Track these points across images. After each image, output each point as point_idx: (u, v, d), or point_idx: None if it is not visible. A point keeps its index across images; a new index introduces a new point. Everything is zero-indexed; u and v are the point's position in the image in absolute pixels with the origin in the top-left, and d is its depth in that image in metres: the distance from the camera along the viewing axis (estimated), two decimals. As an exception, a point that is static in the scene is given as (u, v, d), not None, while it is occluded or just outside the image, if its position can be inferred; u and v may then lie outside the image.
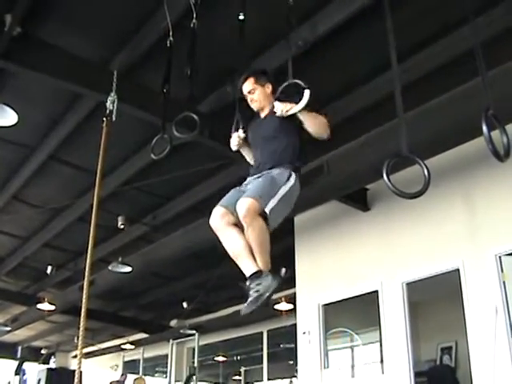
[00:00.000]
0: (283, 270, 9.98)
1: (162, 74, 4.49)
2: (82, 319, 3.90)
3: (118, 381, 14.78)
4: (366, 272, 7.21)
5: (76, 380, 3.84)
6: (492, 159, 3.14)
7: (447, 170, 6.19)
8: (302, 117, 3.29)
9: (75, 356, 16.26)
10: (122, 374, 15.49)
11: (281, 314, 10.98)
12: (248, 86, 3.63)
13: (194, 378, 12.40)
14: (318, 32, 4.78)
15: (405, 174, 4.12)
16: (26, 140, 7.00)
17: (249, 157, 3.77)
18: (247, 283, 2.97)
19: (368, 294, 7.13)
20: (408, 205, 5.52)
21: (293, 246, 8.29)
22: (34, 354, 18.52)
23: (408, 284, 6.71)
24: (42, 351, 18.89)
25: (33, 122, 6.57)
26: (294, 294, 8.47)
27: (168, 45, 4.49)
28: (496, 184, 5.99)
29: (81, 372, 3.87)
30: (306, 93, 3.21)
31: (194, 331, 12.81)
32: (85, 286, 4.03)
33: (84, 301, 3.94)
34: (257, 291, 2.91)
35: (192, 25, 4.30)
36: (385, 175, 3.11)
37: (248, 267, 3.01)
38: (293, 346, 9.01)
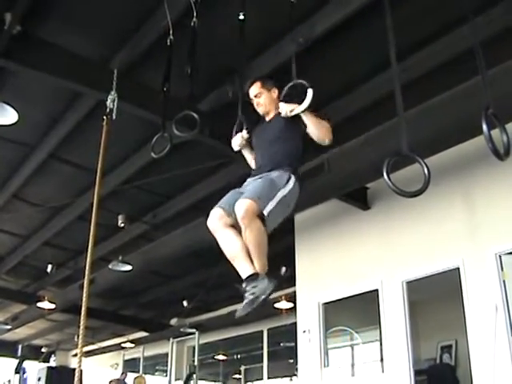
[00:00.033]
0: (283, 269, 10.04)
1: (162, 72, 4.49)
2: (82, 318, 3.89)
3: (118, 379, 14.79)
4: (366, 271, 7.21)
5: (76, 378, 3.83)
6: (492, 158, 3.14)
7: (447, 169, 6.19)
8: (306, 118, 3.31)
9: (75, 354, 16.26)
10: (122, 373, 15.50)
11: (281, 312, 10.99)
12: (254, 89, 3.67)
13: (194, 376, 12.40)
14: (317, 31, 4.77)
15: (405, 172, 4.13)
16: (26, 138, 7.00)
17: (250, 159, 3.77)
18: (243, 285, 2.96)
19: (368, 292, 7.14)
20: (408, 203, 5.52)
21: (293, 244, 8.30)
22: (35, 353, 18.51)
23: (408, 283, 6.71)
24: (43, 350, 18.90)
25: (33, 120, 6.56)
26: (294, 292, 8.47)
27: (168, 43, 4.49)
28: (496, 183, 5.99)
29: (81, 370, 3.86)
30: (310, 92, 3.24)
31: (194, 330, 12.82)
32: (85, 285, 4.03)
33: (84, 299, 3.94)
34: (252, 294, 2.89)
35: (192, 23, 4.30)
36: (385, 174, 3.11)
37: (244, 269, 2.99)
38: (293, 344, 9.02)
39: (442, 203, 6.42)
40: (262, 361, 13.39)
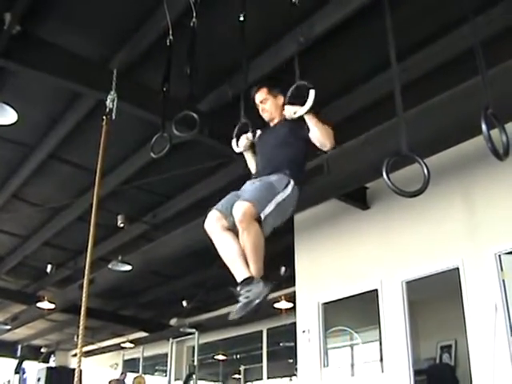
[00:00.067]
0: (283, 269, 10.04)
1: (161, 72, 4.49)
2: (81, 318, 3.89)
3: (117, 379, 14.80)
4: (366, 270, 7.21)
5: (76, 379, 3.83)
6: (491, 158, 3.14)
7: (447, 169, 6.19)
8: (309, 120, 3.32)
9: (75, 355, 16.28)
10: (122, 373, 15.52)
11: (280, 312, 10.99)
12: (260, 95, 3.70)
13: (194, 376, 12.41)
14: (317, 31, 4.77)
15: (404, 172, 4.12)
16: (26, 139, 6.99)
17: (250, 163, 3.77)
18: (238, 288, 2.95)
19: (368, 292, 7.14)
20: (408, 203, 5.51)
21: (292, 244, 8.30)
22: (34, 353, 18.53)
23: (408, 282, 6.72)
24: (42, 350, 18.91)
25: (32, 120, 6.56)
26: (294, 292, 8.47)
27: (168, 43, 4.49)
28: (495, 183, 5.99)
29: (80, 371, 3.86)
30: (312, 93, 3.25)
31: (193, 330, 12.83)
32: (85, 285, 4.03)
33: (84, 299, 3.94)
34: (247, 297, 2.88)
35: (192, 24, 4.30)
36: (384, 174, 3.11)
37: (240, 272, 2.98)
38: (292, 344, 9.02)
39: (442, 203, 6.42)
40: (261, 361, 13.39)
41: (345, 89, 5.85)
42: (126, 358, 17.49)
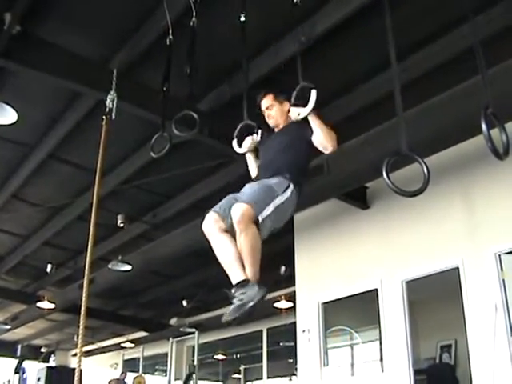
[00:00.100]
0: (283, 269, 10.05)
1: (161, 72, 4.49)
2: (81, 317, 3.89)
3: (117, 379, 14.79)
4: (366, 270, 7.22)
5: (76, 378, 3.83)
6: (491, 157, 3.13)
7: (447, 169, 6.19)
8: (313, 121, 3.34)
9: (75, 354, 16.28)
10: (122, 373, 15.51)
11: (280, 312, 10.99)
12: (267, 101, 3.71)
13: (194, 376, 12.41)
14: (317, 31, 4.77)
15: (404, 172, 4.12)
16: (26, 138, 6.99)
17: (251, 165, 3.76)
18: (232, 291, 2.93)
19: (368, 292, 7.14)
20: (408, 203, 5.51)
21: (292, 244, 8.30)
22: (34, 353, 18.53)
23: (408, 282, 6.72)
24: (42, 349, 18.91)
25: (32, 120, 6.56)
26: (294, 292, 8.47)
27: (168, 43, 4.49)
28: (495, 182, 5.99)
29: (81, 370, 3.86)
30: (313, 93, 3.28)
31: (193, 329, 12.83)
32: (85, 285, 4.03)
33: (84, 299, 3.94)
34: (240, 300, 2.87)
35: (192, 23, 4.30)
36: (384, 173, 3.11)
37: (236, 275, 2.97)
38: (292, 344, 9.01)
39: (442, 203, 6.42)
40: (261, 360, 13.40)
41: (345, 89, 5.85)
42: (126, 357, 17.50)
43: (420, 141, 4.55)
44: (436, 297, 8.19)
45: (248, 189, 3.33)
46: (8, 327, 15.15)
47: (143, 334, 15.74)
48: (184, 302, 12.98)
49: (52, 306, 12.11)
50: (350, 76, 5.70)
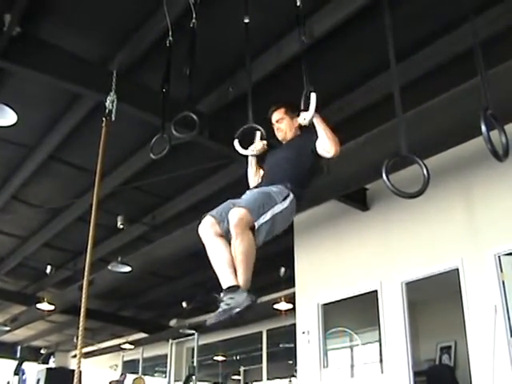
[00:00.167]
0: (282, 270, 10.04)
1: (161, 73, 4.49)
2: (81, 319, 3.89)
3: (117, 380, 14.80)
4: (366, 272, 7.21)
5: (75, 380, 3.83)
6: (491, 159, 3.14)
7: (447, 170, 6.19)
8: (318, 125, 3.36)
9: (74, 356, 16.24)
10: (122, 374, 15.51)
11: (280, 313, 10.99)
12: (278, 115, 3.72)
13: (194, 377, 12.39)
14: (316, 32, 4.77)
15: (404, 173, 4.13)
16: (26, 140, 6.99)
17: (252, 168, 3.75)
18: (221, 295, 2.94)
19: (367, 293, 7.14)
20: (407, 204, 5.53)
21: (292, 245, 8.30)
22: (34, 354, 18.53)
23: (407, 284, 6.72)
24: (42, 351, 18.90)
25: (32, 121, 6.56)
26: (294, 293, 8.47)
27: (167, 44, 4.50)
28: (495, 184, 5.99)
29: (80, 372, 3.86)
30: (313, 96, 3.31)
31: (193, 331, 12.81)
32: (84, 286, 4.03)
33: (83, 300, 3.94)
34: (228, 304, 2.87)
35: (191, 24, 4.30)
36: (384, 175, 3.11)
37: (227, 280, 2.97)
38: (292, 345, 9.01)
39: (442, 204, 6.42)
40: (261, 362, 13.39)
41: (345, 89, 5.85)
42: (126, 359, 17.49)
43: (420, 142, 4.55)
44: (436, 298, 8.19)
45: (247, 195, 3.34)
46: (8, 328, 15.14)
47: (143, 335, 15.73)
48: (184, 304, 12.97)
49: (52, 307, 12.10)
50: (350, 77, 5.70)
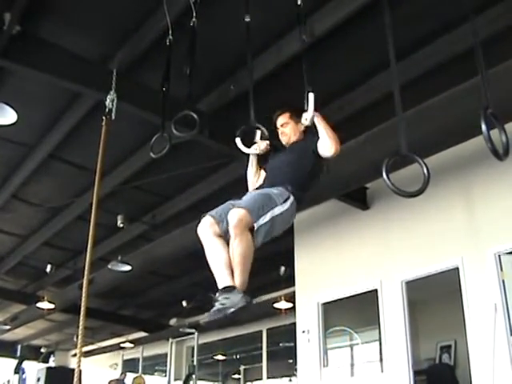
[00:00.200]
0: (282, 269, 10.04)
1: (161, 72, 4.49)
2: (81, 318, 3.89)
3: (117, 379, 14.80)
4: (366, 271, 7.22)
5: (75, 379, 3.83)
6: (491, 158, 3.14)
7: (447, 169, 6.19)
8: (319, 124, 3.37)
9: (75, 355, 16.25)
10: (122, 373, 15.52)
11: (280, 312, 10.98)
12: (282, 119, 3.74)
13: (194, 376, 12.40)
14: (316, 31, 4.77)
15: (404, 172, 4.13)
16: (26, 139, 6.99)
17: (251, 169, 3.75)
18: (216, 295, 2.94)
19: (367, 292, 7.14)
20: (407, 203, 5.52)
21: (292, 244, 8.29)
22: (34, 353, 18.52)
23: (407, 283, 6.72)
24: (42, 350, 18.89)
25: (32, 120, 6.56)
26: (294, 292, 8.47)
27: (167, 43, 4.49)
28: (495, 183, 5.99)
29: (80, 371, 3.86)
30: (311, 96, 3.33)
31: (193, 330, 12.81)
32: (84, 285, 4.03)
33: (83, 299, 3.94)
34: (222, 304, 2.87)
35: (192, 23, 4.30)
36: (384, 174, 3.11)
37: (223, 280, 2.98)
38: (292, 344, 9.02)
39: (442, 203, 6.42)
40: (261, 361, 13.38)
41: (345, 88, 5.85)
42: (126, 358, 17.48)
43: (420, 141, 4.55)
44: (436, 297, 8.19)
45: (247, 196, 3.34)
46: (8, 327, 15.14)
47: (143, 334, 15.74)
48: (184, 303, 12.97)
49: (52, 306, 12.10)
50: (351, 75, 5.70)
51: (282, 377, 13.66)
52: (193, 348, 13.48)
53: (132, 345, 16.25)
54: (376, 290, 7.01)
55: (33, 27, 4.89)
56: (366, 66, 5.52)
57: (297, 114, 3.63)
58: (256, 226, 3.03)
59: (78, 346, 3.82)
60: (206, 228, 3.15)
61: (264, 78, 5.23)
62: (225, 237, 3.09)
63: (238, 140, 3.73)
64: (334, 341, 7.66)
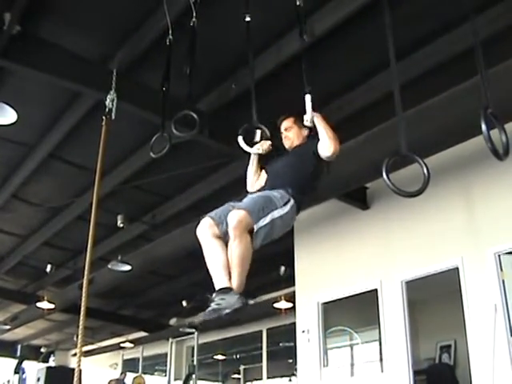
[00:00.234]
0: (282, 269, 10.04)
1: (161, 72, 4.49)
2: (81, 318, 3.89)
3: (117, 379, 14.79)
4: (366, 270, 7.22)
5: (75, 378, 3.83)
6: (491, 158, 3.13)
7: (447, 169, 6.19)
8: (318, 124, 3.38)
9: (75, 354, 16.25)
10: (122, 373, 15.51)
11: (280, 312, 10.98)
12: (287, 123, 3.76)
13: (194, 376, 12.40)
14: (316, 31, 4.77)
15: (404, 172, 4.13)
16: (26, 138, 6.99)
17: (251, 169, 3.76)
18: (213, 295, 2.95)
19: (367, 292, 7.14)
20: (407, 203, 5.52)
21: (292, 244, 8.29)
22: (34, 353, 18.52)
23: (407, 282, 6.72)
24: (42, 350, 18.89)
25: (32, 120, 6.56)
26: (294, 292, 8.47)
27: (167, 43, 4.49)
28: (495, 183, 5.99)
29: (80, 370, 3.87)
30: (307, 97, 3.36)
31: (193, 329, 12.81)
32: (84, 285, 4.03)
33: (83, 299, 3.94)
34: (218, 304, 2.89)
35: (192, 23, 4.30)
36: (384, 174, 3.11)
37: (220, 281, 2.99)
38: (292, 344, 9.02)
39: (442, 203, 6.42)
40: (261, 361, 13.38)
41: (345, 88, 5.85)
42: (126, 357, 17.48)
43: (420, 141, 4.55)
44: (436, 297, 8.19)
45: (248, 198, 3.34)
46: (8, 327, 15.13)
47: (143, 334, 15.74)
48: (184, 302, 12.97)
49: (52, 306, 12.10)
50: (351, 75, 5.70)
51: (282, 377, 13.65)
52: (193, 348, 13.48)
53: (132, 345, 16.25)
54: (376, 290, 7.01)
55: (33, 27, 4.90)
56: (365, 65, 5.53)
57: (301, 119, 3.62)
58: (256, 227, 3.03)
59: (78, 345, 3.82)
60: (205, 229, 3.15)
61: (264, 78, 5.22)
62: (224, 238, 3.09)
63: (240, 139, 3.73)
64: (333, 341, 7.66)
